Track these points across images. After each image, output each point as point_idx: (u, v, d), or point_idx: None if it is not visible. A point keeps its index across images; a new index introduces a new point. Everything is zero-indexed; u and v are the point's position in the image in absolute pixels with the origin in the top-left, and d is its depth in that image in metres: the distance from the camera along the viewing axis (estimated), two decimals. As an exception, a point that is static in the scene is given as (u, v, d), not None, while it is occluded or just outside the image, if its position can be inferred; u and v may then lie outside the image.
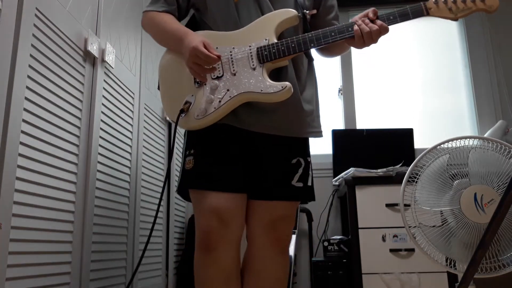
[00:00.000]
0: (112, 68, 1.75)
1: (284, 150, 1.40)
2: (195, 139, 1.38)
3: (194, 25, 1.49)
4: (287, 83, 1.27)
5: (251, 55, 1.32)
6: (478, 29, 3.23)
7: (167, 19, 1.41)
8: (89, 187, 1.54)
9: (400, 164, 2.47)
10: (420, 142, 2.94)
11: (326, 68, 3.31)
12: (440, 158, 1.84)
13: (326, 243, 2.52)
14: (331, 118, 3.25)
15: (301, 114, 1.40)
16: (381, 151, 2.86)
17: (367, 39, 1.28)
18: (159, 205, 1.38)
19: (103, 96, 1.67)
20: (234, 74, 1.32)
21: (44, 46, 1.32)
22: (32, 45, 1.25)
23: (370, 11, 1.30)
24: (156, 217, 1.37)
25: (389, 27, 1.29)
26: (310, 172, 1.44)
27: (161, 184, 2.31)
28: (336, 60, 3.31)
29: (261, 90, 1.28)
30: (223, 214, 1.30)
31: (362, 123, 3.20)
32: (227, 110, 1.31)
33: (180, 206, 2.62)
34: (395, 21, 1.29)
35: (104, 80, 1.69)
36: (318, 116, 1.48)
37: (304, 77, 1.45)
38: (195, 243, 1.37)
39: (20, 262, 1.18)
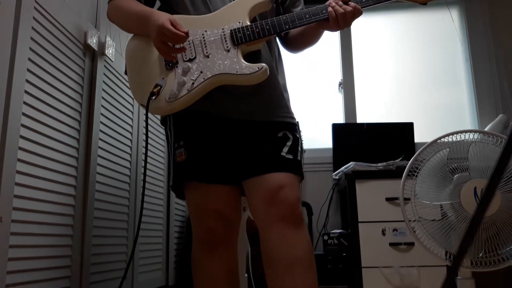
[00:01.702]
0: (112, 61, 1.74)
1: (269, 128, 1.34)
2: (183, 130, 1.34)
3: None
4: (263, 64, 1.24)
5: (225, 37, 1.28)
6: (479, 23, 3.22)
7: (131, 4, 1.34)
8: (89, 180, 1.54)
9: (400, 158, 2.47)
10: (420, 136, 2.93)
11: (326, 62, 3.30)
12: (440, 152, 1.84)
13: (326, 237, 2.52)
14: (331, 112, 3.25)
15: (278, 99, 1.37)
16: (381, 145, 2.86)
17: (341, 21, 1.27)
18: (143, 194, 1.37)
19: (103, 89, 1.67)
20: (208, 56, 1.27)
21: (43, 39, 1.31)
22: (32, 38, 1.25)
23: None
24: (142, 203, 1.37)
25: (362, 10, 1.28)
26: (300, 149, 1.37)
27: (162, 178, 2.31)
28: (337, 54, 3.30)
29: (237, 72, 1.24)
30: (225, 211, 1.29)
31: (363, 117, 3.20)
32: (201, 93, 1.26)
33: (180, 205, 2.62)
34: (367, 3, 1.29)
35: (104, 74, 1.68)
36: (290, 106, 1.43)
37: (278, 64, 1.44)
38: (193, 240, 1.35)
39: (21, 256, 1.18)
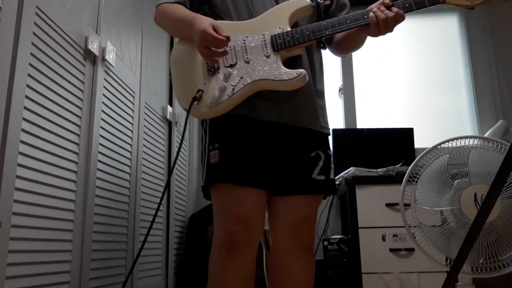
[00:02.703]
0: (113, 66, 1.75)
1: (302, 144, 1.37)
2: (218, 133, 1.35)
3: None
4: (302, 70, 1.25)
5: (265, 43, 1.30)
6: (479, 29, 3.23)
7: (177, 9, 1.39)
8: (89, 185, 1.54)
9: (400, 164, 2.47)
10: (421, 141, 2.93)
11: (326, 67, 3.29)
12: (440, 157, 1.84)
13: (326, 243, 2.52)
14: (331, 117, 3.24)
15: (314, 107, 1.38)
16: (382, 151, 2.86)
17: (382, 26, 1.25)
18: (159, 203, 1.37)
19: (104, 94, 1.67)
20: (248, 62, 1.30)
21: (44, 44, 1.31)
22: (33, 44, 1.25)
23: None
24: (155, 215, 1.36)
25: (405, 16, 1.26)
26: (332, 166, 1.41)
27: (161, 183, 2.31)
28: (337, 60, 3.31)
29: (276, 77, 1.26)
30: (250, 218, 1.28)
31: (363, 122, 3.20)
32: (241, 98, 1.29)
33: (180, 206, 2.61)
34: (410, 8, 1.26)
35: (105, 79, 1.69)
36: (326, 116, 1.46)
37: (317, 71, 1.44)
38: (213, 241, 1.34)
39: (20, 261, 1.18)
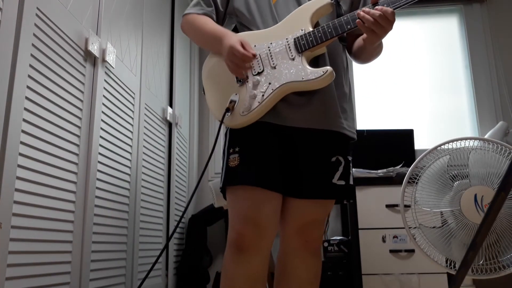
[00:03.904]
0: (113, 68, 1.75)
1: (323, 148, 1.37)
2: (239, 137, 1.38)
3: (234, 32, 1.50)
4: (328, 67, 1.27)
5: (289, 47, 1.33)
6: (479, 30, 3.23)
7: (206, 21, 1.44)
8: (89, 187, 1.54)
9: (401, 165, 2.47)
10: (421, 143, 2.93)
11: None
12: (440, 159, 1.84)
13: (326, 244, 2.52)
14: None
15: (336, 108, 1.37)
16: (382, 152, 2.85)
17: (375, 28, 1.22)
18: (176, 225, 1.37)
19: (104, 96, 1.67)
20: (274, 67, 1.33)
21: (44, 45, 1.32)
22: (33, 45, 1.25)
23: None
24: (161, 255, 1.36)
25: (394, 11, 1.23)
26: (351, 171, 1.43)
27: (161, 184, 2.31)
28: (337, 61, 3.30)
29: (303, 78, 1.28)
30: (261, 222, 1.30)
31: (363, 123, 3.20)
32: (272, 103, 1.32)
33: (180, 206, 2.62)
34: (398, 2, 1.24)
35: (105, 80, 1.69)
36: (353, 119, 1.45)
37: (341, 71, 1.41)
38: (227, 239, 1.37)
39: (20, 262, 1.18)
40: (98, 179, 1.61)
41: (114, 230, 1.75)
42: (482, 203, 1.74)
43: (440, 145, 1.85)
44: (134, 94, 1.98)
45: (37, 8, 1.27)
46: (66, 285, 1.39)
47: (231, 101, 1.35)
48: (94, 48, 1.58)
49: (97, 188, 1.60)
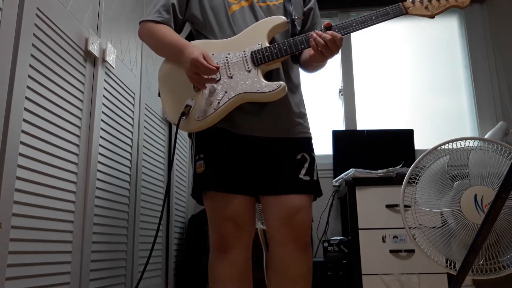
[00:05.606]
0: (113, 68, 1.75)
1: (287, 148, 1.44)
2: (203, 144, 1.44)
3: (190, 38, 1.55)
4: (281, 82, 1.34)
5: (246, 59, 1.39)
6: (478, 30, 3.23)
7: (165, 31, 1.46)
8: (89, 187, 1.54)
9: (401, 165, 2.47)
10: (421, 143, 2.93)
11: (326, 69, 3.30)
12: (440, 159, 1.84)
13: (326, 244, 2.52)
14: (331, 118, 3.25)
15: (291, 116, 1.45)
16: (382, 152, 2.86)
17: (323, 48, 1.31)
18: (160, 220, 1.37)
19: (104, 96, 1.67)
20: (231, 77, 1.38)
21: (44, 45, 1.31)
22: (33, 45, 1.25)
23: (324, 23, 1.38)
24: (156, 236, 1.37)
25: (388, 26, 1.32)
26: (315, 168, 1.48)
27: (161, 184, 2.31)
28: (337, 61, 3.31)
29: (257, 90, 1.34)
30: (238, 218, 1.38)
31: (363, 123, 3.20)
32: (227, 111, 1.37)
33: (180, 206, 2.61)
34: (377, 20, 1.36)
35: (105, 80, 1.69)
36: (306, 121, 1.52)
37: (294, 82, 1.51)
38: (210, 245, 1.43)
39: (20, 262, 1.18)
40: (98, 179, 1.61)
41: (114, 230, 1.75)
42: (482, 203, 1.74)
43: (440, 145, 1.85)
44: (134, 94, 1.98)
45: (37, 8, 1.27)
46: (66, 285, 1.39)
47: (187, 106, 1.38)
48: (94, 48, 1.58)
49: (97, 188, 1.60)
